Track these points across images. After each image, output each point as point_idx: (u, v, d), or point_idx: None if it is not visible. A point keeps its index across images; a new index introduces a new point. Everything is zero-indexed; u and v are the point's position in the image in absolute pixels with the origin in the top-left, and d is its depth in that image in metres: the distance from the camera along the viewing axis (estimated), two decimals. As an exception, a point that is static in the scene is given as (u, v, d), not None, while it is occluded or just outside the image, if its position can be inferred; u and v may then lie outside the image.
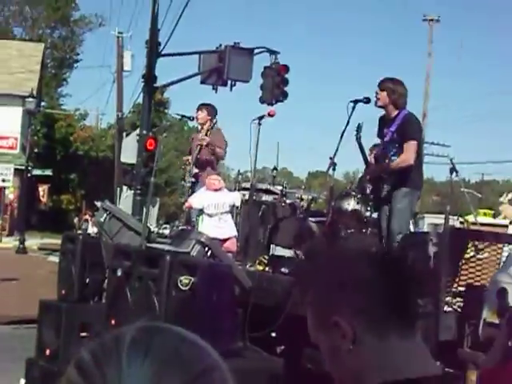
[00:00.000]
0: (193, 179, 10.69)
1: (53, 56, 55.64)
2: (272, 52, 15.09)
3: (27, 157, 32.86)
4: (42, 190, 42.54)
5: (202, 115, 10.72)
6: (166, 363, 0.92)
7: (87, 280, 7.69)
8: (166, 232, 20.01)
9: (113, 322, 6.06)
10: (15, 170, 32.08)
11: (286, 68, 14.99)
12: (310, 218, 8.59)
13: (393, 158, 7.67)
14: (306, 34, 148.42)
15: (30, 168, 32.51)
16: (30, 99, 31.17)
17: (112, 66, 37.03)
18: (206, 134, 10.56)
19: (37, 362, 8.49)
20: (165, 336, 0.97)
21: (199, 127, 11.06)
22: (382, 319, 1.46)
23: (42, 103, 46.13)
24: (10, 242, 30.32)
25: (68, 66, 58.76)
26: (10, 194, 35.25)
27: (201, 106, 10.81)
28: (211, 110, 10.75)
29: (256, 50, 15.31)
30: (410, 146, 7.52)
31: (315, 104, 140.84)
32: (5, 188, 33.05)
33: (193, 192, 10.31)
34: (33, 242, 30.40)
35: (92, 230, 22.53)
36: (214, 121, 10.75)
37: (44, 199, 43.67)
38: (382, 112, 7.83)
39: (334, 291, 1.49)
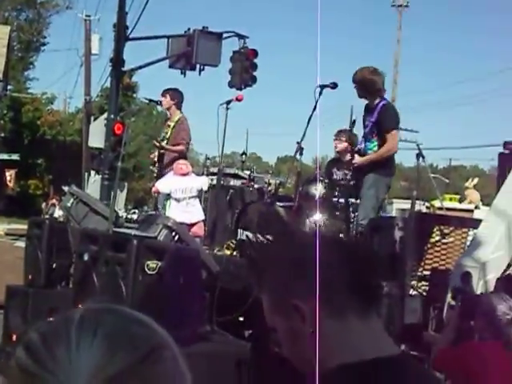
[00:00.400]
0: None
1: (19, 39, 54.90)
2: (241, 36, 15.07)
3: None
4: (9, 174, 42.11)
5: (166, 100, 10.67)
6: (115, 343, 0.93)
7: (54, 265, 7.66)
8: (135, 217, 19.94)
9: (80, 306, 6.05)
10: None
11: (254, 53, 14.98)
12: (278, 203, 8.63)
13: (367, 144, 7.82)
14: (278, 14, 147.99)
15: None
16: (-4, 83, 30.84)
17: (80, 50, 36.67)
18: (173, 127, 10.49)
19: (3, 348, 8.45)
20: (114, 316, 0.98)
21: (167, 114, 11.02)
22: (340, 301, 1.48)
23: (9, 87, 45.54)
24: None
25: (35, 50, 58.04)
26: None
27: (164, 92, 10.76)
28: (174, 94, 10.68)
29: (225, 35, 15.28)
30: (393, 136, 7.69)
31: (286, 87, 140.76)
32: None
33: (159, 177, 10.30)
34: (0, 227, 30.13)
35: (59, 214, 22.33)
36: (180, 113, 10.65)
37: (11, 184, 43.23)
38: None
39: (292, 275, 1.50)
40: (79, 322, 0.95)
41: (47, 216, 19.84)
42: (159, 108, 17.59)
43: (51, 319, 0.98)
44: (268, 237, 1.55)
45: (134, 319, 0.99)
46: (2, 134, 36.29)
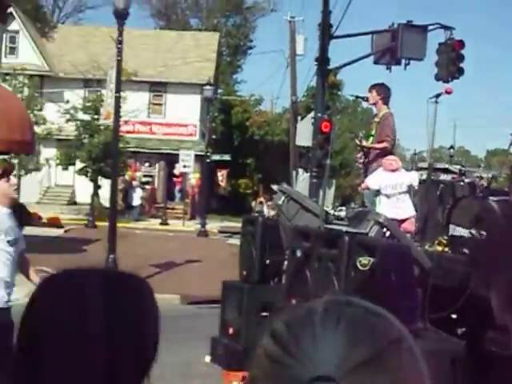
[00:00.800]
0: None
1: (228, 44, 57.01)
2: (447, 28, 14.70)
3: (206, 143, 33.95)
4: (221, 174, 43.81)
5: (372, 96, 10.61)
6: (357, 334, 0.96)
7: (267, 261, 7.88)
8: (342, 214, 19.94)
9: (293, 301, 6.18)
10: (195, 156, 33.24)
11: (461, 44, 14.56)
12: (491, 197, 8.33)
13: None
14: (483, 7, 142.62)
15: (209, 154, 33.57)
16: (208, 87, 32.13)
17: (285, 51, 37.44)
18: (378, 123, 10.44)
19: (221, 340, 8.81)
20: (354, 308, 1.00)
21: (374, 110, 10.98)
22: None
23: (219, 90, 47.43)
24: (192, 226, 31.51)
25: (242, 53, 60.04)
26: (193, 180, 36.57)
27: (371, 87, 10.71)
28: (381, 89, 10.59)
29: (430, 27, 14.97)
30: None
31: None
32: (186, 174, 34.33)
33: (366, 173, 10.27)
34: (213, 225, 31.44)
35: (267, 212, 22.85)
36: (386, 108, 10.57)
37: (223, 184, 44.95)
38: None
39: None
40: (323, 313, 0.98)
41: (256, 214, 20.42)
42: (364, 105, 17.57)
43: (293, 309, 1.02)
44: (492, 234, 1.50)
45: (372, 311, 1.01)
46: (214, 136, 37.76)
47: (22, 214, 19.50)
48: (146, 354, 1.22)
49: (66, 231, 27.27)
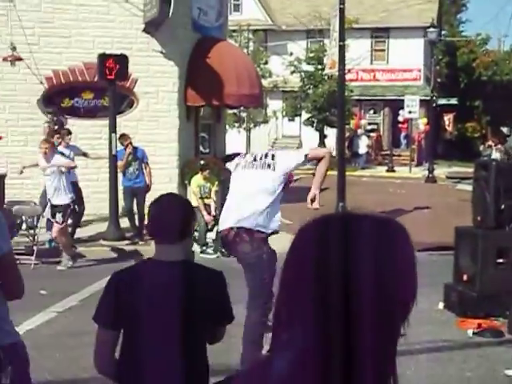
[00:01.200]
0: None
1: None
2: None
3: (431, 87, 33.19)
4: (447, 119, 42.70)
5: None
6: None
7: (502, 206, 7.68)
8: None
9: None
10: (420, 101, 32.63)
11: None
12: None
13: None
14: None
15: (434, 98, 32.82)
16: (431, 29, 31.25)
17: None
18: None
19: (454, 286, 8.73)
20: None
21: None
22: None
23: (443, 32, 45.98)
24: (419, 172, 31.12)
25: (466, -9, 57.62)
26: (421, 125, 35.98)
27: None
28: None
29: None
30: None
31: None
32: (411, 120, 33.82)
33: None
34: (440, 170, 30.84)
35: (496, 156, 22.03)
36: None
37: (449, 128, 43.81)
38: None
39: None
40: None
41: (484, 158, 19.76)
42: None
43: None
44: None
45: None
46: (439, 80, 36.81)
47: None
48: (409, 297, 1.26)
49: (294, 181, 27.96)
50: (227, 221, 6.21)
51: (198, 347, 3.33)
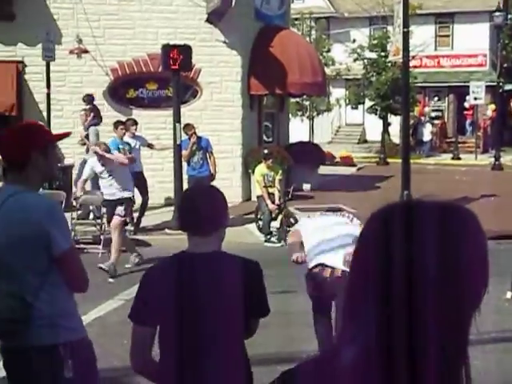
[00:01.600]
0: None
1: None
2: None
3: (498, 73, 32.52)
4: (516, 104, 41.77)
5: None
6: None
7: None
8: None
9: None
10: (486, 87, 32.01)
11: None
12: None
13: None
14: None
15: (500, 84, 32.13)
16: (497, 13, 30.64)
17: None
18: None
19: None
20: None
21: None
22: None
23: (509, 16, 44.93)
24: (485, 159, 30.56)
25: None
26: (489, 111, 35.28)
27: None
28: None
29: None
30: None
31: None
32: (477, 106, 33.21)
33: None
34: (507, 158, 30.23)
35: None
36: None
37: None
38: None
39: None
40: None
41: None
42: None
43: None
44: None
45: None
46: (505, 65, 36.00)
47: (317, 154, 20.24)
48: (481, 286, 1.25)
49: (358, 169, 27.81)
50: None
51: (237, 340, 3.23)
